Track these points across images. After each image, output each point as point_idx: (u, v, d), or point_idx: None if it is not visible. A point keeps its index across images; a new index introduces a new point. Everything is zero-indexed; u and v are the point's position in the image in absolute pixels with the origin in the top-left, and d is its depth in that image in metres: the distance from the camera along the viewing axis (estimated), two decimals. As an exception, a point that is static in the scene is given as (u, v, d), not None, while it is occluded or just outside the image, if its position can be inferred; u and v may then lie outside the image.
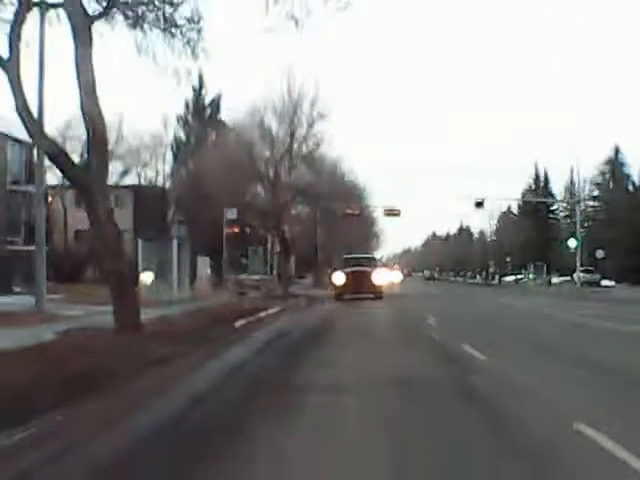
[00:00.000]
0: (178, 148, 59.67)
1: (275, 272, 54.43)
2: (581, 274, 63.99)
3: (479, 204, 55.73)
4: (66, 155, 15.33)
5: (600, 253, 61.45)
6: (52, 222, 43.97)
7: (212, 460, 5.74)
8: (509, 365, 10.96)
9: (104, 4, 14.36)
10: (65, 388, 8.34)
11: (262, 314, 22.42)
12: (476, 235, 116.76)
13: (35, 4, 15.13)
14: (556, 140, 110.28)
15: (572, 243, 57.47)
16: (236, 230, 47.53)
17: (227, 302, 26.95)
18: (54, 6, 15.18)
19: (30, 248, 27.91)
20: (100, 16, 14.32)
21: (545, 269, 74.32)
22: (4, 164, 40.01)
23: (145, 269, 29.10)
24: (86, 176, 14.53)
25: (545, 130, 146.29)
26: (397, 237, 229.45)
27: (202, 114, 61.41)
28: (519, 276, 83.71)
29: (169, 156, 59.19)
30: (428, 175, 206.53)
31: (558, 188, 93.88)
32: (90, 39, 13.62)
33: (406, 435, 6.56)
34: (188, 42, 15.25)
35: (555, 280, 74.24)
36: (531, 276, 76.72)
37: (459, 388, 9.05)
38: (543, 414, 7.30)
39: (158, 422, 7.41)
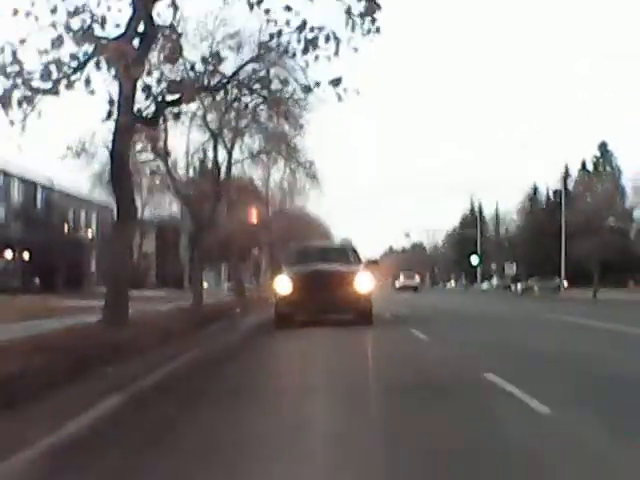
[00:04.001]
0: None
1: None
2: (495, 281, 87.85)
3: (407, 235, 78.41)
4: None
5: (493, 267, 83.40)
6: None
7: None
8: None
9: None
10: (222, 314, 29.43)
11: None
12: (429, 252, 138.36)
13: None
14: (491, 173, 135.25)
15: (474, 259, 78.66)
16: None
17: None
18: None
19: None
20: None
21: (463, 277, 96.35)
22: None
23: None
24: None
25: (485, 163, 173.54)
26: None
27: (208, 175, 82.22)
28: (447, 283, 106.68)
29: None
30: (381, 192, 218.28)
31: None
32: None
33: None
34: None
35: (484, 286, 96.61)
36: (453, 283, 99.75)
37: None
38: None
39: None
